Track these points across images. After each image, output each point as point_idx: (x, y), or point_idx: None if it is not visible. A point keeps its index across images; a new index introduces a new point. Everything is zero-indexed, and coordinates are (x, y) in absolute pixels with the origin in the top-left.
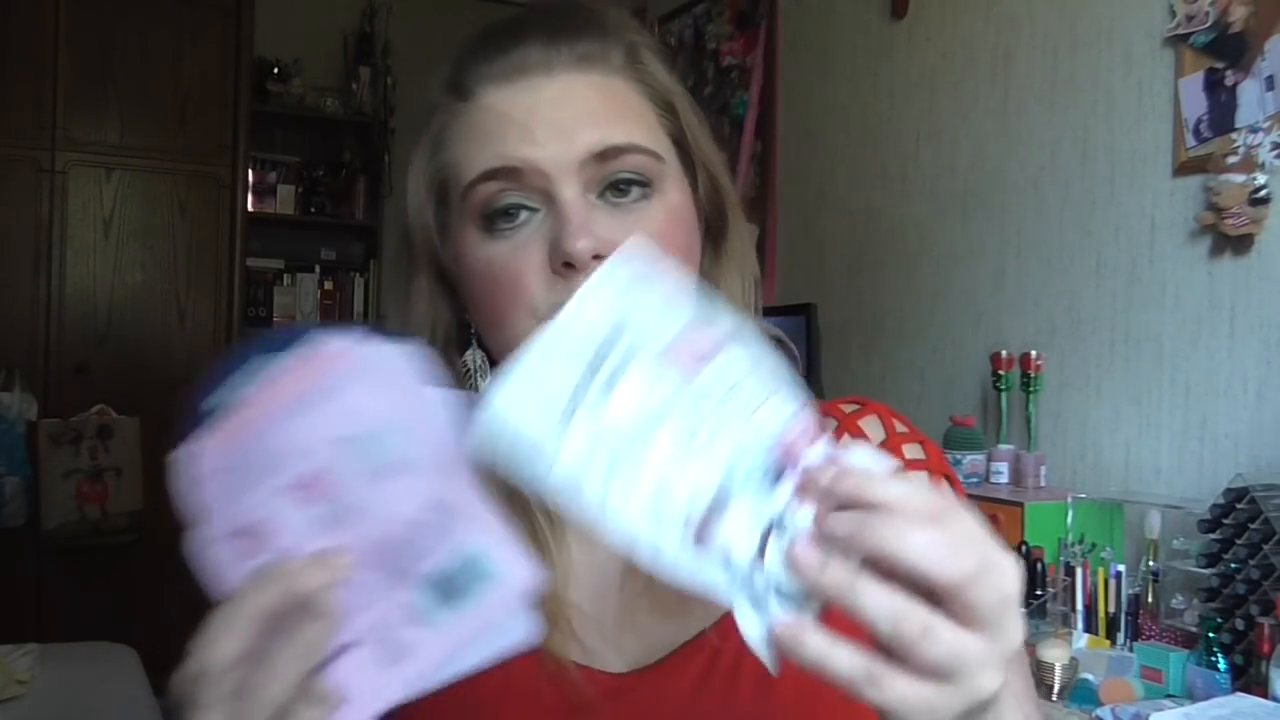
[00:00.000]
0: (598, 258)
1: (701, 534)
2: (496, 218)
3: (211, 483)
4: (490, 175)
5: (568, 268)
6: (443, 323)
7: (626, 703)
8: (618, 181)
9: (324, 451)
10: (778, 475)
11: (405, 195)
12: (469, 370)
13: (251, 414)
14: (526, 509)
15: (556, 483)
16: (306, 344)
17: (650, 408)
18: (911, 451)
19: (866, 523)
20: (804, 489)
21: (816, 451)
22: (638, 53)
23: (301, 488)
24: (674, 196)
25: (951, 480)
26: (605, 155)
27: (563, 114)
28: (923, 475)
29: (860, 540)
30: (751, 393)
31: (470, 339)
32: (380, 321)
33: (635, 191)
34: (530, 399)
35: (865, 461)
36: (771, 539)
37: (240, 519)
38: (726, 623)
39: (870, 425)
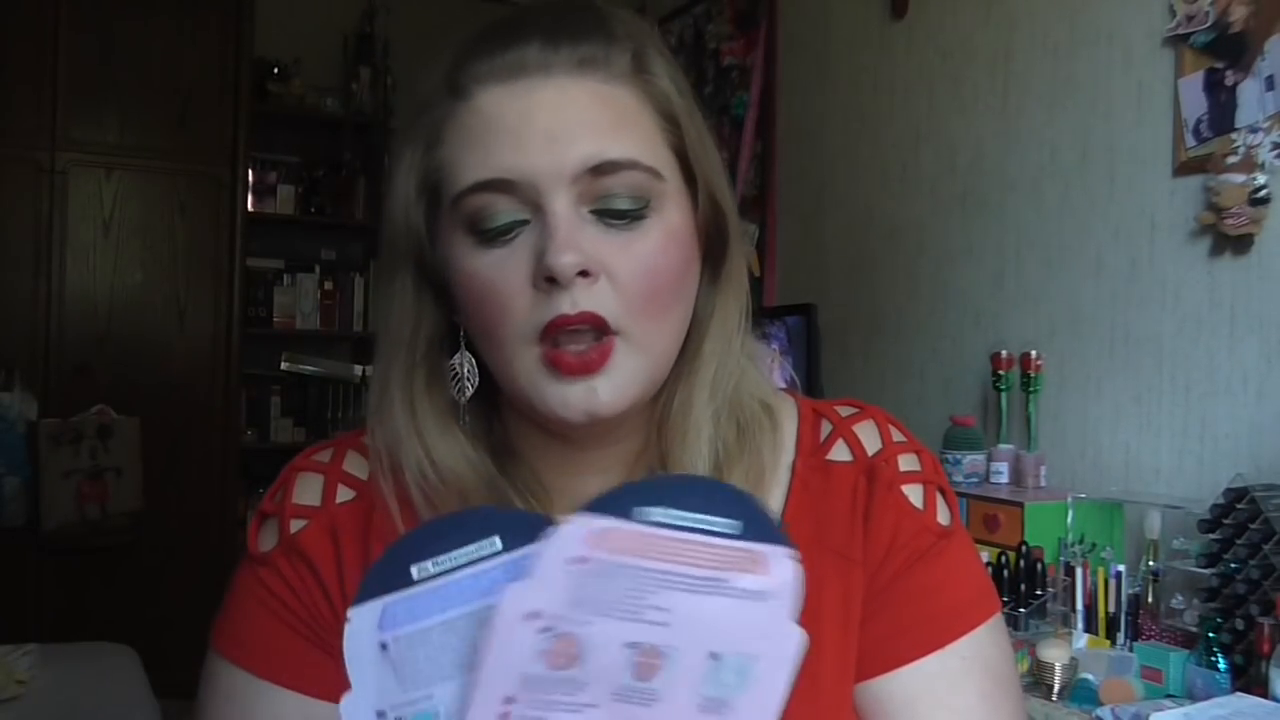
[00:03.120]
0: (584, 274)
1: None
2: (486, 230)
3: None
4: (481, 187)
5: (550, 283)
6: (428, 324)
7: None
8: (613, 202)
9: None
10: None
11: (392, 190)
12: (456, 375)
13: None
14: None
15: None
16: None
17: None
18: (907, 462)
19: None
20: None
21: None
22: (645, 59)
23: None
24: (673, 217)
25: (945, 492)
26: (600, 170)
27: (557, 121)
28: (917, 488)
29: None
30: None
31: (459, 341)
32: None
33: (630, 214)
34: None
35: None
36: None
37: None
38: None
39: (866, 431)
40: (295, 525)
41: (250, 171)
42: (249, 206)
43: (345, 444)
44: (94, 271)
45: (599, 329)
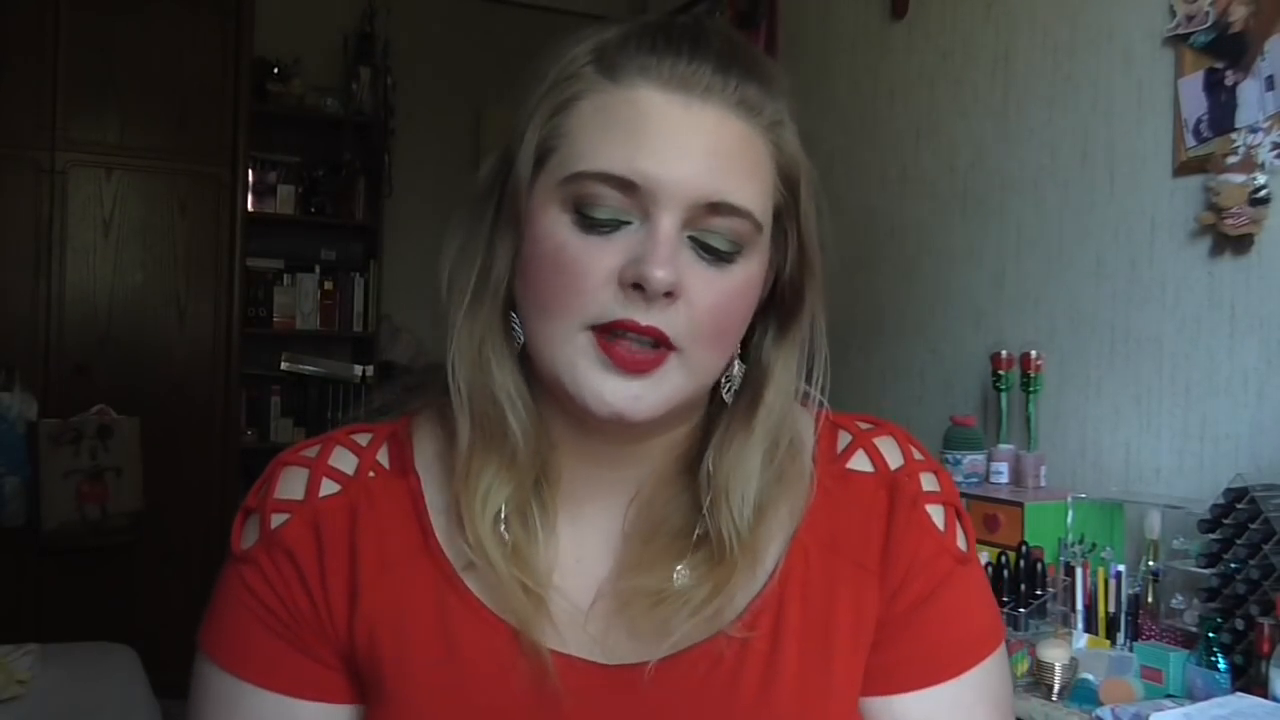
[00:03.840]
0: (668, 294)
1: None
2: (591, 217)
3: None
4: (604, 178)
5: (636, 289)
6: (509, 276)
7: (613, 693)
8: (711, 238)
9: None
10: None
11: (519, 140)
12: None
13: None
14: (524, 495)
15: None
16: None
17: None
18: (928, 482)
19: None
20: None
21: None
22: (784, 118)
23: None
24: (754, 266)
25: (961, 516)
26: (717, 208)
27: (701, 147)
28: (939, 508)
29: None
30: None
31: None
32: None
33: (723, 254)
34: None
35: None
36: None
37: None
38: (729, 632)
39: (887, 446)
40: (276, 520)
41: (250, 171)
42: (249, 206)
43: (333, 440)
44: (94, 271)
45: (660, 343)
